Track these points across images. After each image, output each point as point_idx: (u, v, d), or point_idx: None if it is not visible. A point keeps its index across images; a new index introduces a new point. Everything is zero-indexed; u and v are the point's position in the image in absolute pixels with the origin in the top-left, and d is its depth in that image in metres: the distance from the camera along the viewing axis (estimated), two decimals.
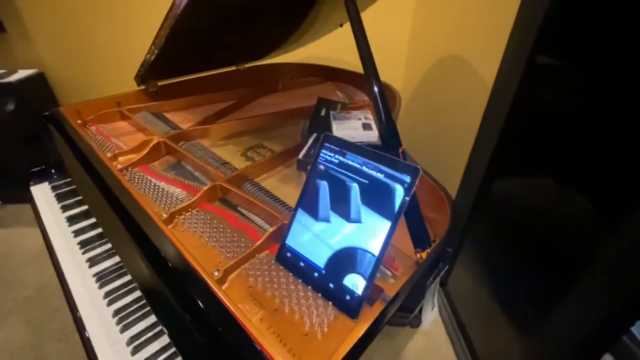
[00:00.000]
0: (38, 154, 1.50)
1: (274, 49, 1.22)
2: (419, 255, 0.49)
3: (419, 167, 0.42)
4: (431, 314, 0.56)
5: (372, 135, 0.68)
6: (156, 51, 0.83)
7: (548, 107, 0.81)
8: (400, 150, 0.49)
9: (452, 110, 1.17)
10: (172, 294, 0.46)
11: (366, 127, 0.70)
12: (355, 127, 0.69)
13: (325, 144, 0.50)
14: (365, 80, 0.51)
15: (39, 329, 1.13)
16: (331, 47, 1.39)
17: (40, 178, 0.91)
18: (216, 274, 0.49)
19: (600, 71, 0.69)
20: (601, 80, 0.69)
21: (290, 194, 0.70)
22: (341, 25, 1.18)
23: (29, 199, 0.87)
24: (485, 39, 1.01)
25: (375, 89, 0.49)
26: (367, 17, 1.09)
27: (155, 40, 0.79)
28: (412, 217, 0.48)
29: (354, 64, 1.40)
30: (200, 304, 0.43)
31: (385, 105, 0.49)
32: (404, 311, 0.48)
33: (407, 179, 0.42)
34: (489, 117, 0.93)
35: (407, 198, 0.42)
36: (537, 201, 0.84)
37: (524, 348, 0.85)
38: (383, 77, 1.17)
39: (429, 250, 0.49)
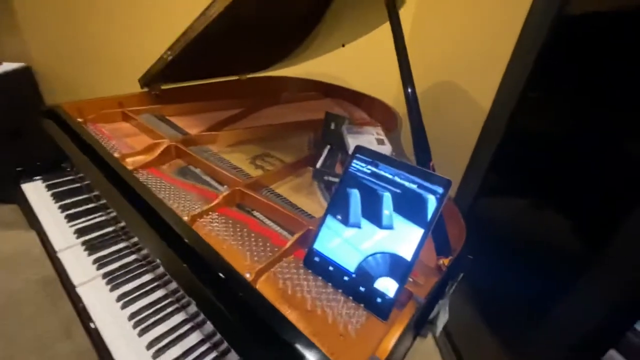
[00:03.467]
0: (17, 150, 1.41)
1: (275, 62, 1.26)
2: (441, 262, 0.52)
3: (450, 179, 0.46)
4: (444, 319, 0.59)
5: (386, 150, 0.72)
6: (171, 57, 0.84)
7: (538, 133, 0.91)
8: (431, 163, 0.53)
9: (446, 131, 1.25)
10: (214, 293, 0.46)
11: (380, 142, 0.74)
12: (369, 142, 0.73)
13: (357, 155, 0.53)
14: (403, 89, 0.55)
15: (10, 341, 1.03)
16: (331, 64, 1.45)
17: (31, 176, 0.87)
18: (248, 276, 0.49)
19: (584, 102, 0.79)
20: (584, 111, 0.79)
21: (303, 202, 0.72)
22: (343, 45, 1.24)
23: (19, 198, 0.82)
24: (483, 64, 1.10)
25: (411, 97, 0.53)
26: (364, 42, 1.16)
27: (174, 45, 0.80)
28: (436, 226, 0.52)
29: (351, 82, 1.47)
30: (246, 300, 0.44)
31: (418, 118, 0.53)
32: None
33: (440, 190, 0.46)
34: (482, 143, 1.01)
35: (440, 208, 0.46)
36: (525, 215, 0.91)
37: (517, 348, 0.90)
38: (378, 95, 1.25)
39: (451, 258, 0.52)
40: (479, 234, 1.00)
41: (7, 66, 1.47)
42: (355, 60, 1.51)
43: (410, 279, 0.54)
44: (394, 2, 0.66)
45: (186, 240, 0.52)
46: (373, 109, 1.24)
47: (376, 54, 1.40)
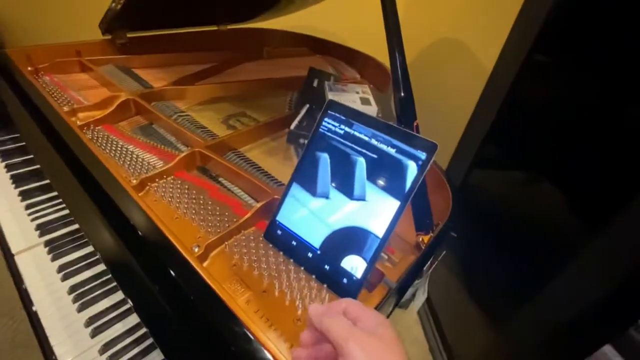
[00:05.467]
0: None
1: (260, 12, 1.12)
2: (420, 239, 0.46)
3: (436, 143, 0.38)
4: (422, 299, 0.54)
5: (371, 111, 0.63)
6: (120, 5, 0.72)
7: (541, 102, 0.81)
8: (415, 123, 0.45)
9: (445, 94, 1.15)
10: (144, 270, 0.40)
11: (365, 101, 0.65)
12: (353, 101, 0.64)
13: (329, 112, 0.45)
14: (387, 43, 0.45)
15: None
16: (322, 18, 1.31)
17: None
18: (196, 249, 0.43)
19: (596, 71, 0.69)
20: (595, 80, 0.69)
21: (276, 167, 0.65)
22: None
23: None
24: (487, 22, 0.99)
25: (396, 46, 0.44)
26: None
27: None
28: (417, 198, 0.45)
29: (345, 37, 1.34)
30: (179, 281, 0.38)
31: (405, 73, 0.44)
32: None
33: (422, 155, 0.39)
34: (482, 106, 0.92)
35: (420, 177, 0.38)
36: (523, 192, 0.85)
37: (496, 337, 0.88)
38: (373, 54, 1.13)
39: (432, 234, 0.46)
40: (470, 208, 0.94)
41: None
42: (349, 14, 1.37)
43: (385, 255, 0.48)
44: None
45: (118, 207, 0.44)
46: (367, 68, 1.13)
47: (374, 6, 1.25)
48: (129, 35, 0.95)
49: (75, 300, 0.48)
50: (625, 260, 0.57)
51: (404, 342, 1.06)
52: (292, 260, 0.45)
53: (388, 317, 0.46)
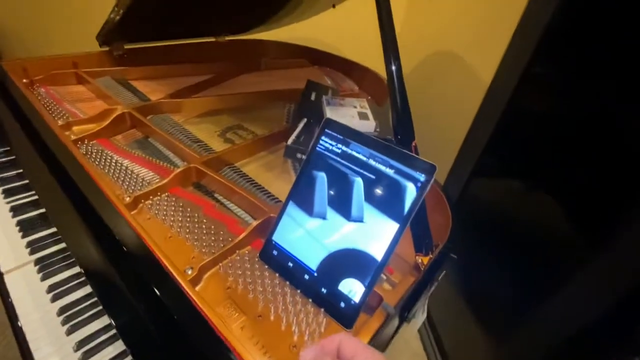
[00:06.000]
0: None
1: (258, 23, 1.12)
2: (419, 260, 0.45)
3: (435, 165, 0.37)
4: (420, 320, 0.53)
5: (369, 126, 0.63)
6: (121, 11, 0.72)
7: (540, 113, 0.81)
8: (413, 144, 0.44)
9: (444, 106, 1.14)
10: (132, 294, 0.38)
11: (362, 116, 0.64)
12: (351, 115, 0.64)
13: (326, 130, 0.44)
14: (384, 57, 0.45)
15: None
16: (320, 29, 1.31)
17: None
18: (189, 272, 0.41)
19: (594, 82, 0.69)
20: (594, 92, 0.69)
21: (273, 183, 0.64)
22: (334, 6, 1.10)
23: None
24: (486, 34, 0.99)
25: (393, 67, 0.43)
26: (357, 4, 1.03)
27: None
28: (417, 218, 0.44)
29: (343, 49, 1.34)
30: (169, 308, 0.36)
31: (402, 89, 0.44)
32: None
33: (421, 177, 0.38)
34: (481, 118, 0.92)
35: (420, 199, 0.37)
36: (522, 204, 0.84)
37: (496, 352, 0.86)
38: (371, 66, 1.13)
39: (431, 256, 0.45)
40: (469, 222, 0.93)
41: None
42: (347, 25, 1.37)
43: (384, 276, 0.46)
44: None
45: (108, 226, 0.43)
46: (365, 80, 1.13)
47: (371, 17, 1.26)
48: (127, 46, 0.94)
49: (64, 322, 0.46)
50: (628, 275, 0.56)
51: (402, 356, 1.04)
52: (288, 282, 0.44)
53: (392, 338, 0.44)
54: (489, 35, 0.98)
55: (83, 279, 0.51)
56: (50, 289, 0.50)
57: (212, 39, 1.13)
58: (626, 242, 0.58)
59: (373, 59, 1.18)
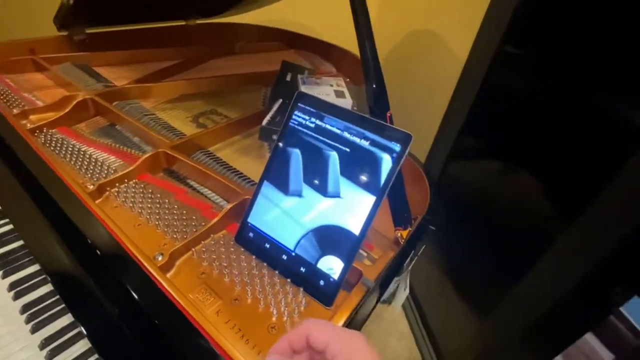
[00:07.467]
0: None
1: (231, 5, 1.08)
2: (399, 234, 0.44)
3: (410, 133, 0.36)
4: (403, 296, 0.52)
5: (346, 104, 0.61)
6: None
7: (515, 91, 0.82)
8: (388, 114, 0.43)
9: (421, 86, 1.14)
10: (98, 287, 0.36)
11: (339, 94, 0.63)
12: (327, 94, 0.62)
13: (299, 104, 0.42)
14: (355, 31, 0.43)
15: None
16: (296, 11, 1.28)
17: None
18: (159, 258, 0.39)
19: (566, 60, 0.70)
20: (567, 69, 0.70)
21: (250, 166, 0.61)
22: None
23: None
24: (460, 12, 0.98)
25: (367, 45, 0.42)
26: None
27: None
28: (394, 192, 0.43)
29: (319, 31, 1.31)
30: (137, 297, 0.34)
31: (376, 63, 0.42)
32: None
33: (397, 147, 0.37)
34: (457, 97, 0.92)
35: (396, 169, 0.36)
36: (501, 182, 0.85)
37: (480, 326, 0.88)
38: (349, 48, 1.11)
39: (410, 229, 0.44)
40: (449, 201, 0.94)
41: None
42: (324, 6, 1.34)
43: (364, 252, 0.46)
44: None
45: (67, 216, 0.40)
46: (343, 62, 1.10)
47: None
48: (88, 31, 0.89)
49: (28, 321, 0.43)
50: (603, 248, 0.57)
51: (390, 336, 1.05)
52: (265, 264, 0.42)
53: (370, 313, 0.43)
54: (463, 14, 0.97)
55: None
56: (12, 286, 0.47)
57: (182, 23, 1.08)
58: (601, 216, 0.59)
59: (350, 40, 1.16)
